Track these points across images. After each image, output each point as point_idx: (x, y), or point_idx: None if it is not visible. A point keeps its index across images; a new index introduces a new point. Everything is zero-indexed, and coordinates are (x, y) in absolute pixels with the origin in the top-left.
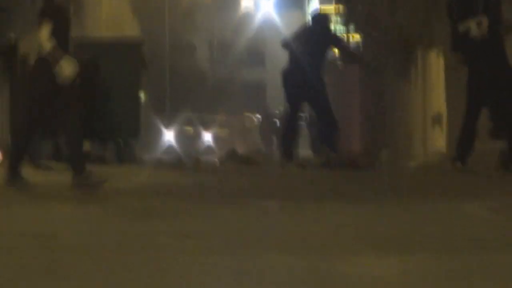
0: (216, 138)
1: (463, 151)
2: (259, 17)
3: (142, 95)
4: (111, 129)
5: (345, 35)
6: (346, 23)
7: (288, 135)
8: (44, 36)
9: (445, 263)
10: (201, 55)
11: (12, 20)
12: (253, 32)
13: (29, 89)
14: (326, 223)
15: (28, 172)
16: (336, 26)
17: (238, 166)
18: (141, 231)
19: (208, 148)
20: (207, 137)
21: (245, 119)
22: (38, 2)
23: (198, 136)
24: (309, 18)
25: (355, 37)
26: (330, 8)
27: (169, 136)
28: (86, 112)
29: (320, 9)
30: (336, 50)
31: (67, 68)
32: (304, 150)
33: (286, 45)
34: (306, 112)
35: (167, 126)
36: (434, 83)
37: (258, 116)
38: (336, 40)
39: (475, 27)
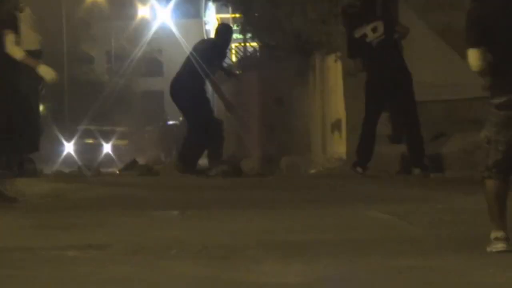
0: (116, 149)
1: (363, 156)
2: (156, 26)
3: (41, 107)
4: (10, 142)
5: (242, 43)
6: (243, 31)
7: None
8: (14, 45)
9: (346, 267)
10: (99, 66)
11: None
12: (151, 42)
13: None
14: (228, 231)
15: None
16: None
17: (139, 176)
18: (47, 244)
19: (109, 159)
20: (107, 148)
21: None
22: None
23: (98, 147)
24: (205, 26)
25: (252, 45)
26: (227, 17)
27: (69, 148)
28: None
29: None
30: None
31: (49, 70)
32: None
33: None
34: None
35: (67, 138)
36: (332, 89)
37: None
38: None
39: (371, 32)
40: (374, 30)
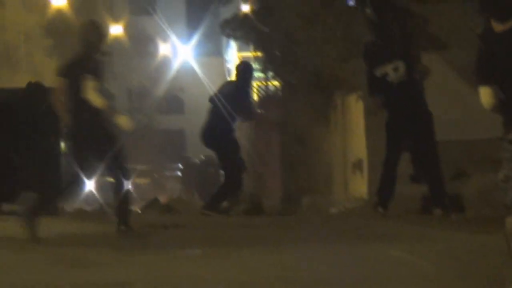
0: (137, 187)
1: (384, 196)
2: (177, 63)
3: (62, 145)
4: (31, 179)
5: (264, 82)
6: (264, 70)
7: None
8: (94, 92)
9: None
10: (120, 103)
11: None
12: (172, 79)
13: None
14: (248, 268)
15: None
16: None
17: (160, 215)
18: (67, 281)
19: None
20: (128, 186)
21: (166, 168)
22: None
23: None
24: (226, 64)
25: (274, 83)
26: (248, 55)
27: (90, 185)
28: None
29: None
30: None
31: (127, 120)
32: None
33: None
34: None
35: (88, 175)
36: (354, 128)
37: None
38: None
39: (392, 72)
40: (395, 69)
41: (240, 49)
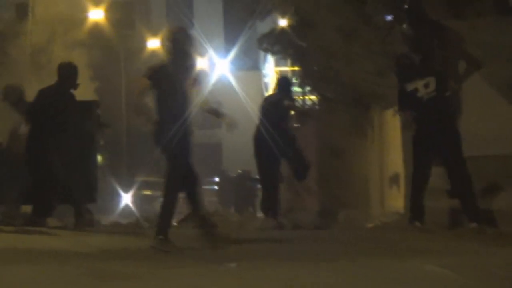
0: None
1: (416, 210)
2: (214, 78)
3: (99, 158)
4: (68, 193)
5: (301, 96)
6: (301, 84)
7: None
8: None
9: None
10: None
11: None
12: (209, 93)
13: None
14: (283, 281)
15: None
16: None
17: (196, 228)
18: None
19: None
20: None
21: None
22: None
23: (155, 198)
24: (264, 78)
25: (311, 98)
26: (285, 69)
27: (127, 199)
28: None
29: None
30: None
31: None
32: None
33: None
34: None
35: (125, 188)
36: (391, 142)
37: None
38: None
39: (423, 88)
40: (426, 86)
41: (277, 64)
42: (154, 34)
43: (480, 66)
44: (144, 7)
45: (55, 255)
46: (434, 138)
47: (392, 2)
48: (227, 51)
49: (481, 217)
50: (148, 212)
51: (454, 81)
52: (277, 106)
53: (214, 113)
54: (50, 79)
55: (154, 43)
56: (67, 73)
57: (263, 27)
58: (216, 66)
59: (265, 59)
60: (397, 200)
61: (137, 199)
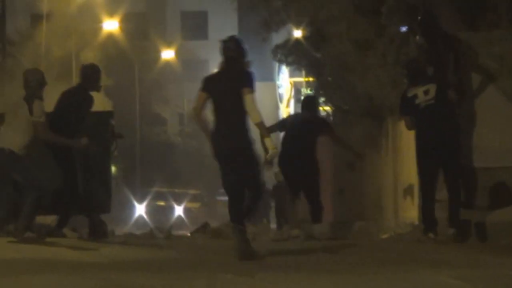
0: (188, 211)
1: (428, 221)
2: None
3: (113, 169)
4: (82, 203)
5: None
6: (316, 95)
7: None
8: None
9: None
10: (172, 127)
11: None
12: None
13: None
14: None
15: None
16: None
17: (211, 240)
18: None
19: (180, 221)
20: (179, 210)
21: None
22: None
23: (170, 209)
24: (278, 89)
25: (326, 109)
26: (300, 80)
27: (140, 210)
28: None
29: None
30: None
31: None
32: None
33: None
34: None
35: (139, 199)
36: (405, 153)
37: None
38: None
39: (422, 95)
40: (426, 92)
41: (291, 75)
42: (169, 45)
43: (493, 78)
44: (159, 18)
45: (70, 265)
46: (433, 147)
47: (406, 14)
48: None
49: (465, 227)
50: (162, 222)
51: (456, 92)
52: (308, 127)
53: (265, 147)
54: (63, 88)
55: (168, 54)
56: (90, 73)
57: (277, 38)
58: None
59: (279, 70)
60: (411, 211)
61: (151, 209)
